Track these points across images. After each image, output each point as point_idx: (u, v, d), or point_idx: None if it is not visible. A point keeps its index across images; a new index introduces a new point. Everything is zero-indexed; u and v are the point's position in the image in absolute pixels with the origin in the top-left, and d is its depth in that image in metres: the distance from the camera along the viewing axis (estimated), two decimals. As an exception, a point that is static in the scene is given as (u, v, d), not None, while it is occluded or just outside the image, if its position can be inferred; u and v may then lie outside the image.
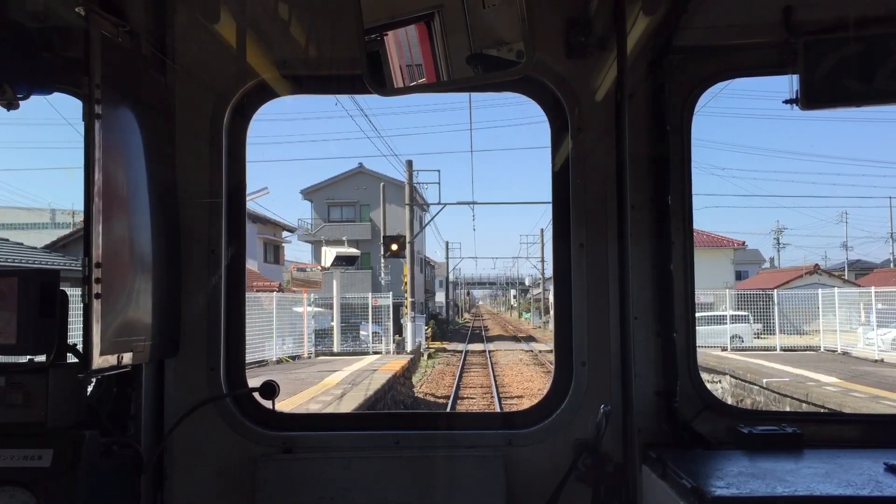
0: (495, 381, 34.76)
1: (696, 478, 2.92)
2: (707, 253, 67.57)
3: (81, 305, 2.89)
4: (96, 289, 2.89)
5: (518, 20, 2.87)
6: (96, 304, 2.89)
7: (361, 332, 44.65)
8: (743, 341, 43.65)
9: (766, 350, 40.67)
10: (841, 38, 3.48)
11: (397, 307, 56.08)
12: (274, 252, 64.90)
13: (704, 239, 70.31)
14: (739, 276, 76.35)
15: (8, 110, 3.26)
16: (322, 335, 43.57)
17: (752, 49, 3.76)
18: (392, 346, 43.53)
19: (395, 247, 43.84)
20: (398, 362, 34.58)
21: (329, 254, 46.76)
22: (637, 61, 3.67)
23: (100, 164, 2.92)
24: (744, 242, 79.53)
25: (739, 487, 2.81)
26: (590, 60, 3.77)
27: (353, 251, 47.92)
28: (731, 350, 41.55)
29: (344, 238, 54.27)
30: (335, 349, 42.46)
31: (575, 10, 3.71)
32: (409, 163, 50.38)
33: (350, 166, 79.83)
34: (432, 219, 63.63)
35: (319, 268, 52.13)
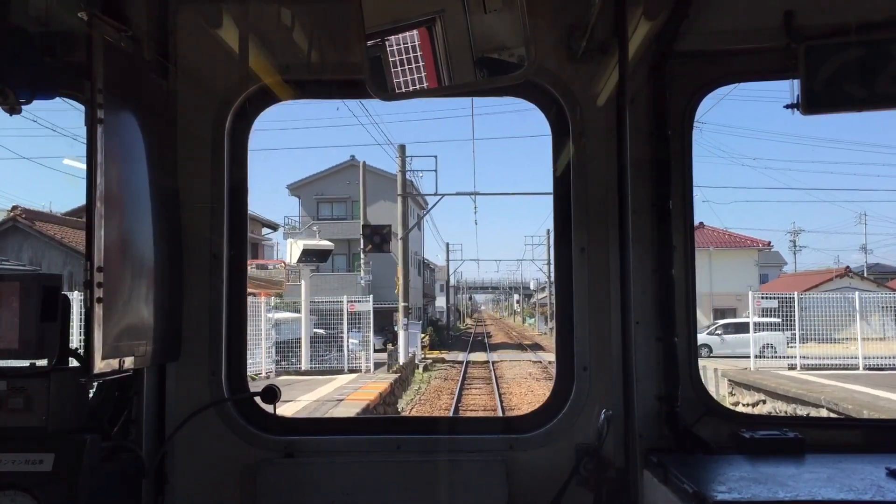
0: (501, 401, 29.70)
1: (698, 483, 2.92)
2: (729, 254, 63.25)
3: (83, 309, 2.90)
4: (98, 293, 2.89)
5: (519, 25, 2.88)
6: (98, 309, 2.90)
7: (351, 341, 36.29)
8: (776, 351, 39.12)
9: (847, 368, 33.83)
10: (842, 43, 3.49)
11: (388, 313, 49.79)
12: (253, 251, 57.87)
13: (726, 239, 65.86)
14: (759, 279, 70.41)
15: (10, 115, 3.28)
16: (287, 348, 35.65)
17: (753, 54, 3.76)
18: (371, 364, 35.62)
19: (377, 239, 36.33)
20: (377, 385, 28.08)
21: (295, 248, 36.36)
22: (638, 66, 3.67)
23: (102, 168, 2.93)
24: (769, 242, 73.32)
25: (741, 492, 2.80)
26: (591, 65, 3.77)
27: (324, 244, 37.71)
28: (800, 368, 34.56)
29: (315, 228, 45.35)
30: (303, 366, 34.84)
31: (576, 14, 3.71)
32: (402, 147, 43.65)
33: (341, 159, 73.01)
34: (430, 209, 57.32)
35: (282, 264, 43.23)
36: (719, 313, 58.04)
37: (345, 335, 35.91)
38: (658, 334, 3.68)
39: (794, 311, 36.80)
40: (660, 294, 3.68)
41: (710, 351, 44.27)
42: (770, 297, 38.99)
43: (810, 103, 3.52)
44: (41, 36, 3.48)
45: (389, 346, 41.15)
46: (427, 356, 48.24)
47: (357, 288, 52.06)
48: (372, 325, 37.21)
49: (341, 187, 69.27)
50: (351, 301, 37.34)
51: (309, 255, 35.97)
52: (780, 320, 37.75)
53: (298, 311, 36.80)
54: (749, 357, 36.67)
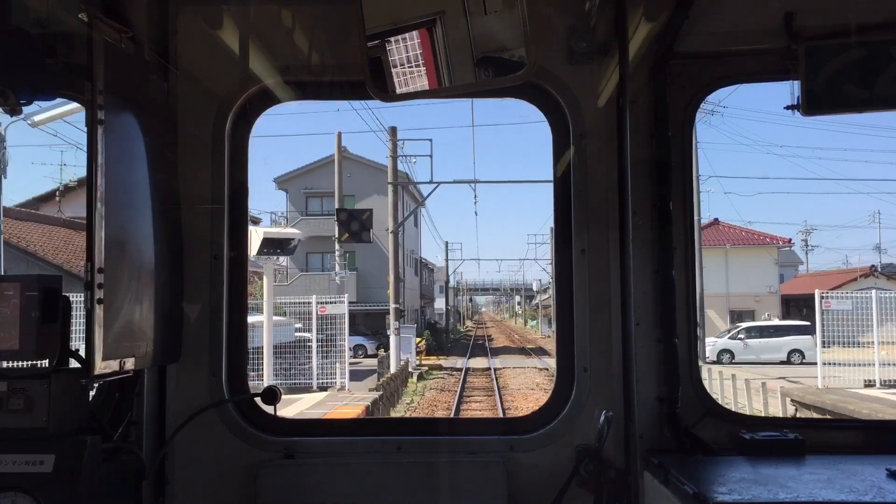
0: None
1: (698, 484, 2.92)
2: (747, 252, 58.89)
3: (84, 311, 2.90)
4: (98, 294, 2.90)
5: (520, 26, 2.88)
6: (98, 310, 2.90)
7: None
8: (804, 357, 35.56)
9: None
10: (842, 45, 3.49)
11: (382, 315, 44.40)
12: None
13: (743, 236, 61.80)
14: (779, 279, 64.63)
15: (11, 116, 3.28)
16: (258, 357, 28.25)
17: (753, 55, 3.76)
18: (346, 378, 29.57)
19: (355, 226, 29.41)
20: (349, 410, 23.59)
21: (255, 237, 28.30)
22: (639, 67, 3.68)
23: (102, 169, 2.93)
24: (790, 240, 67.76)
25: (741, 493, 2.80)
26: (591, 66, 3.78)
27: (289, 232, 29.00)
28: (880, 385, 28.08)
29: (280, 212, 41.45)
30: (265, 382, 23.53)
31: (576, 16, 3.72)
32: (394, 130, 38.36)
33: (332, 151, 67.28)
34: (426, 198, 50.32)
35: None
36: (736, 316, 54.96)
37: (313, 343, 29.63)
38: (659, 335, 3.68)
39: (871, 312, 29.93)
40: (660, 295, 3.68)
41: (732, 357, 41.30)
42: (842, 297, 31.70)
43: (811, 104, 3.52)
44: (42, 37, 3.48)
45: (381, 352, 37.85)
46: (422, 363, 44.01)
47: (350, 289, 45.80)
48: (347, 330, 30.53)
49: (332, 180, 59.94)
50: (321, 302, 30.69)
51: (271, 246, 27.49)
52: (809, 323, 33.29)
53: (291, 313, 31.66)
54: (776, 363, 33.05)
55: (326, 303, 31.02)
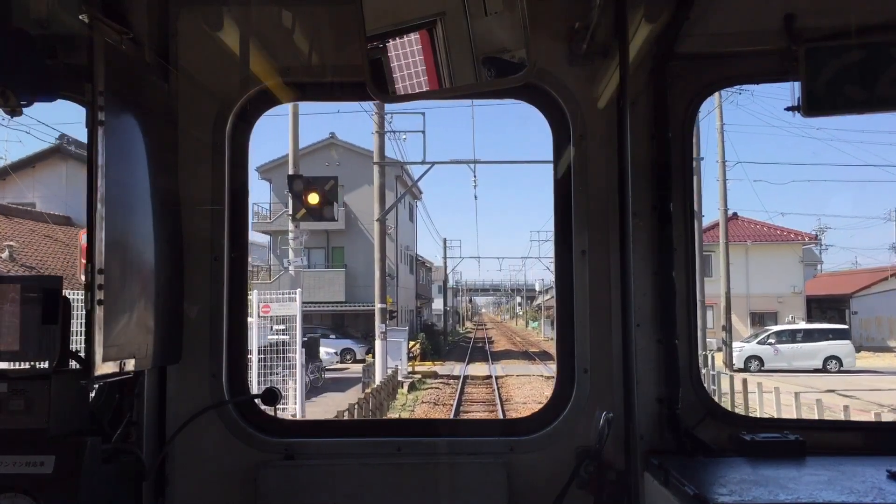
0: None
1: (699, 485, 2.92)
2: (769, 249, 55.47)
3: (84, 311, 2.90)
4: (99, 295, 2.90)
5: (520, 27, 2.88)
6: (99, 311, 2.90)
7: (326, 350, 26.65)
8: (842, 364, 32.54)
9: None
10: (842, 46, 3.49)
11: (369, 316, 37.55)
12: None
13: (765, 232, 58.05)
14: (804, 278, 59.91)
15: (11, 117, 3.28)
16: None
17: (753, 56, 3.77)
18: (299, 403, 22.44)
19: (314, 198, 21.63)
20: None
21: None
22: (639, 69, 3.68)
23: (103, 170, 2.93)
24: (815, 236, 63.73)
25: (742, 494, 2.80)
26: (592, 68, 3.78)
27: None
28: None
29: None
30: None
31: (577, 17, 3.72)
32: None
33: (318, 137, 56.73)
34: (419, 179, 44.90)
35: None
36: (758, 318, 51.57)
37: (254, 353, 21.71)
38: (659, 336, 3.68)
39: None
40: (660, 296, 3.69)
41: (762, 364, 37.48)
42: None
43: (811, 105, 3.52)
44: (42, 38, 3.48)
45: (369, 358, 33.83)
46: (415, 370, 39.27)
47: (338, 287, 42.88)
48: (299, 335, 23.15)
49: (319, 169, 50.35)
50: (265, 300, 23.63)
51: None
52: (846, 326, 29.95)
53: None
54: (811, 372, 28.74)
55: (272, 300, 24.01)
